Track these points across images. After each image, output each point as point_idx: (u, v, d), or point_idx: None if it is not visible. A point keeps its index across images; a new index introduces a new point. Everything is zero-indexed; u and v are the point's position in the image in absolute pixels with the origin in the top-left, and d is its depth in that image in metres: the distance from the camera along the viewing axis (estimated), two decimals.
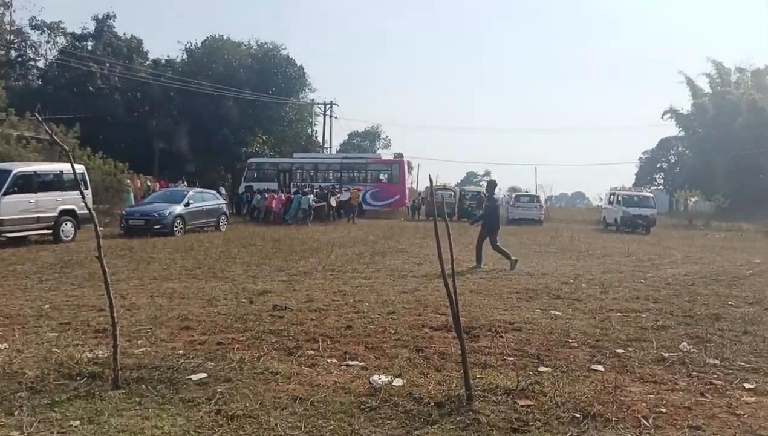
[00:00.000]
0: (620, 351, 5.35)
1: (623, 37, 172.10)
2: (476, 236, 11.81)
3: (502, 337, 5.79)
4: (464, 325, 6.48)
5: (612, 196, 28.40)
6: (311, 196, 24.54)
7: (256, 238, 16.92)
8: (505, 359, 5.03)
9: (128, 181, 23.74)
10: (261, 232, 19.15)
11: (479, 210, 27.81)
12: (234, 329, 5.97)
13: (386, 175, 32.66)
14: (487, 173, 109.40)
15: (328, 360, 4.88)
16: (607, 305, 7.71)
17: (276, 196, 25.07)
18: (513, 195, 32.94)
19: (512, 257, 11.38)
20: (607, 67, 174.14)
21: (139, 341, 5.38)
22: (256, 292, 8.15)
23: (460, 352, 4.06)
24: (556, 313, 7.09)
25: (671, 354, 5.26)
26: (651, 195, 28.87)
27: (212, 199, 20.18)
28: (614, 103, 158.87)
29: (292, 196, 25.08)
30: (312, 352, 5.11)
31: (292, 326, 6.09)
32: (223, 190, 29.90)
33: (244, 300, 7.54)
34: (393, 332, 5.94)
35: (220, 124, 37.45)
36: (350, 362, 4.82)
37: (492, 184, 12.47)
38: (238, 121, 38.74)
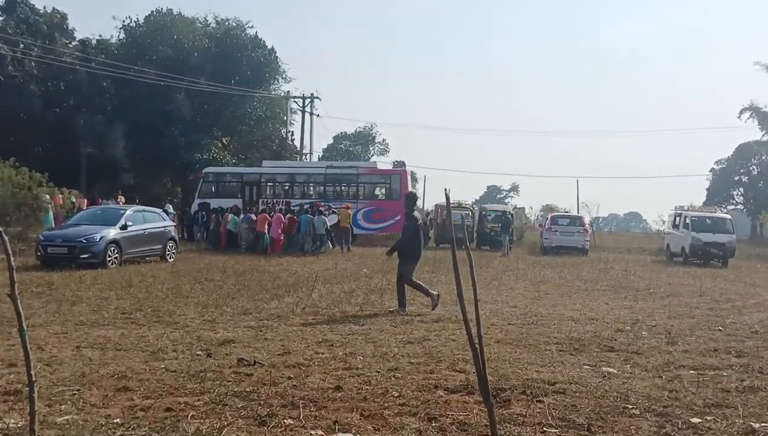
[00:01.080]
0: (696, 421, 5.33)
1: (691, 17, 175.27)
2: (507, 266, 11.81)
3: (540, 402, 5.76)
4: (492, 385, 6.46)
5: (677, 219, 28.56)
6: (325, 217, 24.75)
7: (215, 271, 16.90)
8: (545, 431, 5.00)
9: (47, 196, 23.76)
10: (220, 263, 19.15)
11: (505, 235, 28.09)
12: (187, 390, 5.91)
13: (384, 190, 32.70)
14: (514, 188, 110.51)
15: (312, 432, 4.84)
16: (676, 359, 7.70)
17: (271, 216, 24.92)
18: (549, 216, 33.01)
19: (433, 292, 11.23)
20: (665, 52, 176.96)
21: (63, 407, 5.34)
22: (216, 342, 8.12)
23: (486, 422, 4.03)
24: (610, 370, 7.06)
25: (763, 425, 5.24)
26: (728, 217, 28.99)
27: (157, 221, 20.20)
28: (678, 99, 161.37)
29: (296, 217, 25.36)
30: (290, 421, 5.08)
31: (264, 386, 6.04)
32: (170, 208, 29.85)
33: (199, 353, 7.51)
34: (396, 394, 5.90)
35: (167, 124, 37.60)
36: (341, 435, 4.77)
37: (411, 198, 12.06)
38: (191, 119, 38.94)
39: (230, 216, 25.42)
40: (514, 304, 12.23)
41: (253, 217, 24.94)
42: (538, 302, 12.59)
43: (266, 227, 24.13)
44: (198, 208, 29.53)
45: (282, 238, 24.27)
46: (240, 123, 42.35)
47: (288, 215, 25.35)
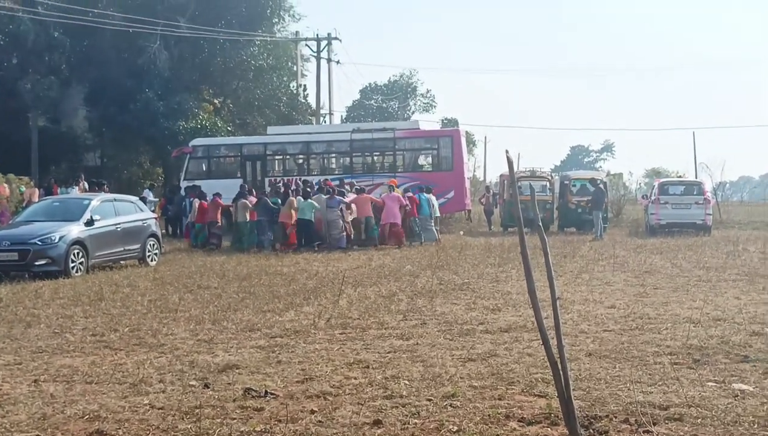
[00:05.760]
0: None
1: None
2: (601, 254, 11.75)
3: (649, 432, 5.73)
4: (582, 412, 6.43)
5: None
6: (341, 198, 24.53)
7: (211, 275, 17.04)
8: None
9: None
10: (218, 264, 19.31)
11: (597, 212, 27.82)
12: (179, 432, 6.00)
13: (431, 158, 32.59)
14: (608, 148, 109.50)
15: None
16: None
17: (391, 197, 24.59)
18: (656, 184, 32.53)
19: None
20: None
21: None
22: (215, 368, 8.21)
23: None
24: (744, 387, 6.98)
25: None
26: None
27: (132, 212, 20.36)
28: None
29: (411, 195, 25.33)
30: None
31: (279, 424, 6.09)
32: (150, 195, 30.14)
33: (194, 383, 7.61)
34: (455, 429, 5.92)
35: (139, 84, 37.85)
36: None
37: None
38: (171, 76, 39.15)
39: (298, 201, 24.78)
40: (611, 303, 12.12)
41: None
42: (643, 300, 12.44)
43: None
44: (185, 193, 29.72)
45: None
46: (235, 78, 42.52)
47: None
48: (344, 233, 23.63)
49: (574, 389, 6.60)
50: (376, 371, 7.92)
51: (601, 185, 30.39)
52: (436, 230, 25.44)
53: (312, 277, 16.44)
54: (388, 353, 8.84)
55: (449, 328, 10.33)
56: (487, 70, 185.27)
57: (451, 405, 6.61)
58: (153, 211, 24.48)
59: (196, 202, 25.47)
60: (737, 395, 6.75)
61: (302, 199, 24.00)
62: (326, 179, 28.46)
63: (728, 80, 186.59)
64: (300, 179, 29.96)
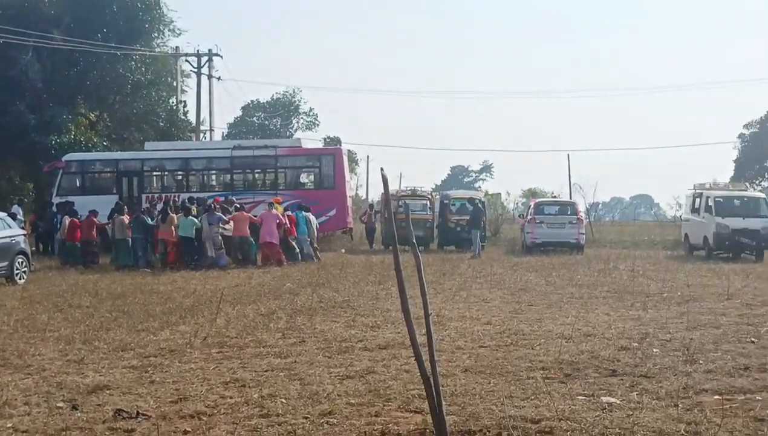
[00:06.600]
0: None
1: None
2: (478, 271, 11.98)
3: None
4: (456, 427, 6.52)
5: (697, 201, 29.19)
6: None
7: (82, 294, 16.56)
8: None
9: None
10: (91, 283, 18.78)
11: (476, 230, 28.34)
12: None
13: (313, 176, 32.63)
14: (486, 168, 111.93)
15: None
16: (696, 382, 7.90)
17: (268, 215, 24.18)
18: (532, 204, 33.43)
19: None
20: None
21: None
22: (84, 389, 7.98)
23: None
24: (612, 400, 7.21)
25: None
26: (762, 196, 29.75)
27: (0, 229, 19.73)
28: (692, 47, 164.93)
29: (290, 214, 25.06)
30: None
31: None
32: (19, 211, 29.19)
33: (61, 404, 7.40)
34: None
35: (10, 96, 36.74)
36: None
37: None
38: (44, 88, 38.13)
39: (178, 217, 24.11)
40: (487, 320, 12.33)
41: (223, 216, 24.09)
42: (518, 317, 12.72)
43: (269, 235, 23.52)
44: (57, 209, 28.91)
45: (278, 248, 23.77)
46: (112, 92, 41.67)
47: (280, 215, 24.62)
48: (223, 251, 23.36)
49: (449, 405, 6.71)
50: (252, 389, 7.84)
51: (480, 205, 31.08)
52: (314, 248, 25.39)
53: (189, 295, 16.17)
54: (266, 371, 8.77)
55: (328, 345, 10.33)
56: (367, 90, 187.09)
57: (327, 423, 6.60)
58: (23, 228, 23.70)
59: (66, 220, 24.79)
60: (605, 408, 6.95)
61: (183, 217, 23.63)
62: (216, 197, 28.05)
63: (601, 105, 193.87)
64: (177, 197, 29.53)
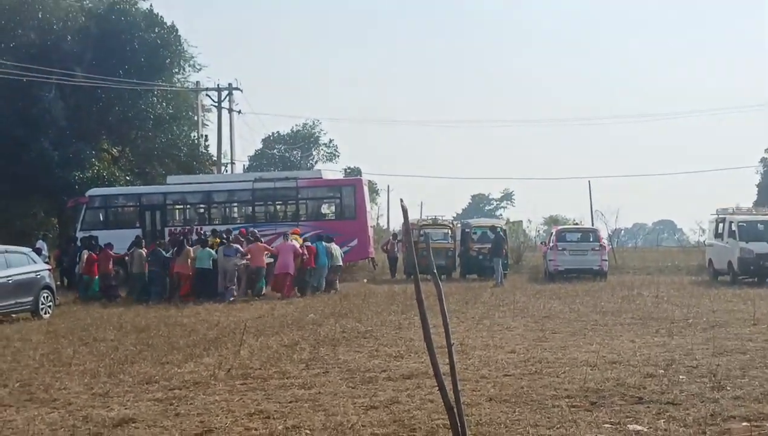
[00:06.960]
0: None
1: None
2: (501, 300, 11.97)
3: None
4: None
5: (721, 226, 29.04)
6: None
7: (107, 327, 16.65)
8: None
9: None
10: (115, 316, 18.89)
11: (497, 258, 28.29)
12: None
13: (334, 207, 32.67)
14: (507, 196, 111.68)
15: None
16: (723, 409, 7.87)
17: (284, 246, 24.31)
18: (554, 231, 33.32)
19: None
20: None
21: None
22: (110, 422, 8.03)
23: None
24: (639, 428, 7.18)
25: None
26: None
27: (24, 264, 19.86)
28: (711, 69, 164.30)
29: (309, 245, 24.86)
30: None
31: None
32: (44, 247, 29.38)
33: None
34: None
35: (33, 133, 36.98)
36: None
37: None
38: (67, 125, 38.40)
39: (195, 250, 24.21)
40: (511, 348, 12.34)
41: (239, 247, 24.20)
42: (543, 345, 12.73)
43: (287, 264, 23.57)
44: (81, 244, 29.12)
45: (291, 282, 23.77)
46: (134, 127, 41.89)
47: (298, 245, 24.57)
48: (235, 286, 23.35)
49: (474, 434, 6.70)
50: (277, 421, 7.87)
51: (501, 233, 30.99)
52: (333, 279, 25.39)
53: (212, 327, 16.24)
54: (290, 402, 8.79)
55: (352, 376, 10.35)
56: (388, 121, 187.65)
57: None
58: (47, 263, 23.86)
59: (85, 254, 24.96)
60: None
61: (200, 248, 23.71)
62: (241, 229, 28.13)
63: (621, 132, 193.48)
64: (200, 229, 29.69)
